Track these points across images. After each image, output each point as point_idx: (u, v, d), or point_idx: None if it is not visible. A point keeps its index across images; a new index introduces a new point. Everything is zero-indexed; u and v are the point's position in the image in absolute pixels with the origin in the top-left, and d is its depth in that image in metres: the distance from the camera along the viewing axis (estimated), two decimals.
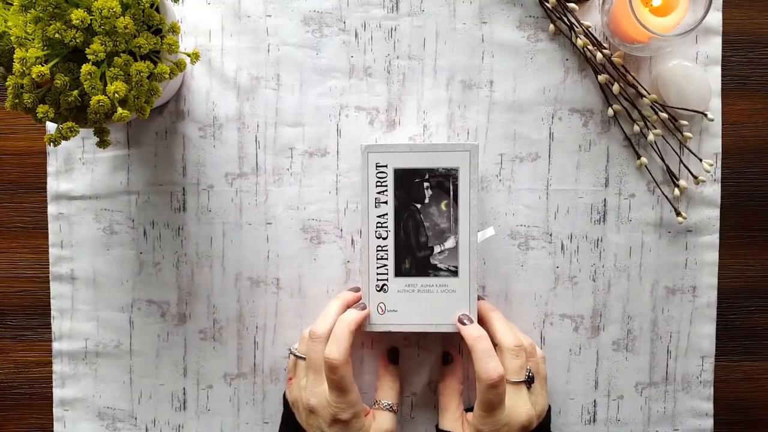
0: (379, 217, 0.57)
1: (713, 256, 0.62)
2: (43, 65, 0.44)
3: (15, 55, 0.44)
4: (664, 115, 0.60)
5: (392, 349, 0.61)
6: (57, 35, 0.44)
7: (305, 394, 0.54)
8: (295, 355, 0.58)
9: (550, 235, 0.61)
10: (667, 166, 0.61)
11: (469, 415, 0.57)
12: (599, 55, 0.59)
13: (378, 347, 0.62)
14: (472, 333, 0.54)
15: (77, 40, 0.44)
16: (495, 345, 0.55)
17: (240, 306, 0.62)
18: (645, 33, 0.53)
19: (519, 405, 0.54)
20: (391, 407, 0.57)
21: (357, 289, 0.60)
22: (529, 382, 0.56)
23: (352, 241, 0.61)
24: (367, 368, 0.62)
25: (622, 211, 0.61)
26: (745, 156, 0.62)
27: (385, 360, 0.60)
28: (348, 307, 0.58)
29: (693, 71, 0.59)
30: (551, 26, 0.60)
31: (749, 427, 0.64)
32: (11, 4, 0.46)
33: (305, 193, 0.61)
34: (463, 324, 0.56)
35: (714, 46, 0.61)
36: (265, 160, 0.61)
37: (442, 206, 0.56)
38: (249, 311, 0.62)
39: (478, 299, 0.58)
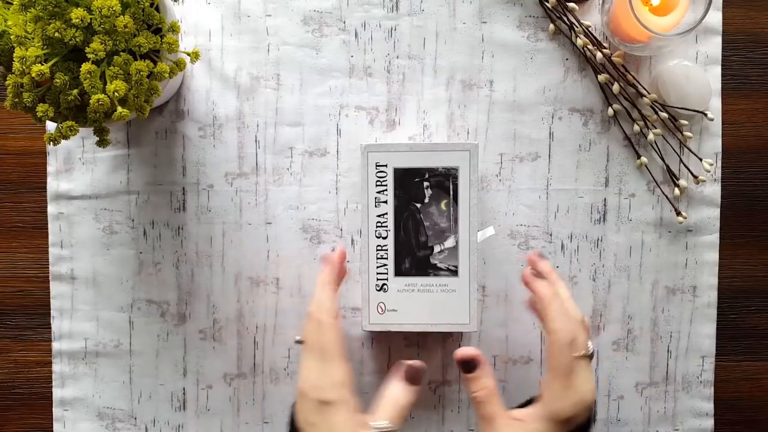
0: (379, 216, 0.57)
1: (713, 256, 0.62)
2: (42, 64, 0.44)
3: (15, 54, 0.44)
4: (664, 114, 0.60)
5: (419, 370, 0.52)
6: (57, 34, 0.44)
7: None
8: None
9: (550, 234, 0.61)
10: (667, 166, 0.61)
11: (519, 412, 0.51)
12: (599, 55, 0.59)
13: (378, 347, 0.62)
14: (546, 292, 0.51)
15: (77, 39, 0.44)
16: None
17: (240, 306, 0.62)
18: (645, 32, 0.53)
19: (587, 381, 0.49)
20: (390, 429, 0.48)
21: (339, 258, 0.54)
22: (591, 356, 0.51)
23: (352, 240, 0.61)
24: (367, 368, 0.62)
25: (622, 211, 0.61)
26: (745, 156, 0.62)
27: (409, 376, 0.51)
28: (336, 284, 0.53)
29: (693, 71, 0.59)
30: (551, 26, 0.60)
31: (749, 427, 0.64)
32: (11, 4, 0.46)
33: (305, 192, 0.61)
34: (536, 263, 0.52)
35: (714, 46, 0.61)
36: (265, 160, 0.61)
37: (442, 206, 0.56)
38: (249, 311, 0.62)
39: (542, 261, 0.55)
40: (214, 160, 0.61)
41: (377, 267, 0.57)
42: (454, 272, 0.57)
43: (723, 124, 0.61)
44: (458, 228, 0.56)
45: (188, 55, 0.50)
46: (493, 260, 0.61)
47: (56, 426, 0.63)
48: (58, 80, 0.45)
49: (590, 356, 0.51)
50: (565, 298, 0.52)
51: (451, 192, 0.56)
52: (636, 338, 0.62)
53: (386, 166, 0.56)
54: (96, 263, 0.62)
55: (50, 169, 0.61)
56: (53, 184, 0.62)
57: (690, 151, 0.61)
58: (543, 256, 0.56)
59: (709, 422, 0.62)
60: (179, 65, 0.49)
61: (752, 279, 0.63)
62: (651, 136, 0.60)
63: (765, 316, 0.64)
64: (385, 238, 0.57)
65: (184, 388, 0.63)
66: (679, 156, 0.61)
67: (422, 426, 0.62)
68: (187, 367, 0.62)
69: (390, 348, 0.62)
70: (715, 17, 0.61)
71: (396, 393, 0.50)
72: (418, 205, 0.56)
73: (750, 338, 0.64)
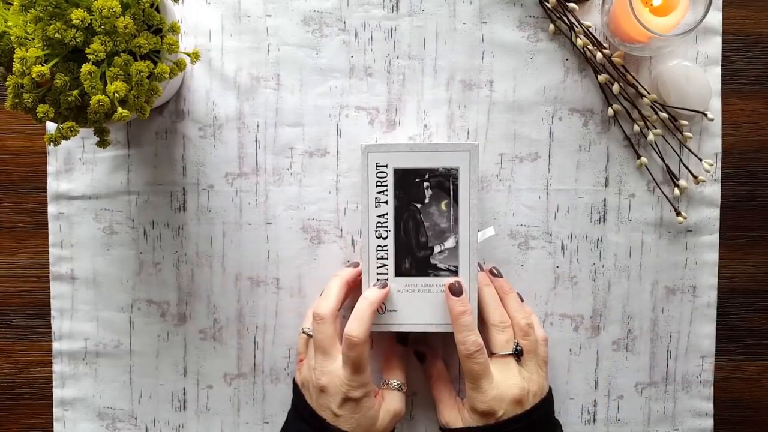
0: (379, 217, 0.57)
1: (713, 256, 0.62)
2: (43, 65, 0.44)
3: (15, 55, 0.44)
4: (664, 115, 0.60)
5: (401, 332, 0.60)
6: (57, 35, 0.44)
7: (315, 374, 0.55)
8: (307, 335, 0.58)
9: (550, 235, 0.61)
10: (667, 166, 0.61)
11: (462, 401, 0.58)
12: (599, 55, 0.59)
13: (378, 347, 0.62)
14: (457, 308, 0.55)
15: (77, 40, 0.44)
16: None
17: (240, 306, 0.62)
18: (645, 33, 0.53)
19: (508, 377, 0.55)
20: (400, 387, 0.58)
21: (356, 264, 0.59)
22: (517, 355, 0.56)
23: (352, 241, 0.61)
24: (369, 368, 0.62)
25: (622, 211, 0.61)
26: (745, 156, 0.63)
27: (393, 341, 0.60)
28: (349, 284, 0.58)
29: (693, 71, 0.59)
30: (551, 26, 0.60)
31: (749, 427, 0.64)
32: (11, 4, 0.46)
33: (305, 193, 0.61)
34: (453, 295, 0.56)
35: (714, 46, 0.61)
36: (265, 160, 0.61)
37: (442, 206, 0.56)
38: (249, 311, 0.62)
39: (479, 270, 0.58)
40: (214, 161, 0.61)
41: (377, 267, 0.57)
42: (455, 272, 0.57)
43: (723, 124, 0.61)
44: (458, 228, 0.56)
45: (188, 55, 0.50)
46: (493, 260, 0.61)
47: (56, 426, 0.63)
48: (58, 81, 0.45)
49: (516, 354, 0.56)
50: (490, 304, 0.57)
51: (452, 192, 0.56)
52: (636, 338, 0.62)
53: (386, 166, 0.56)
54: (96, 263, 0.62)
55: (50, 169, 0.61)
56: (53, 185, 0.62)
57: (690, 151, 0.61)
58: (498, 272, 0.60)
59: (709, 422, 0.62)
60: (179, 66, 0.49)
61: (752, 279, 0.63)
62: (651, 137, 0.60)
63: (765, 316, 0.64)
64: (385, 238, 0.57)
65: (184, 388, 0.63)
66: (679, 156, 0.61)
67: (422, 426, 0.62)
68: (188, 367, 0.62)
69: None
70: (715, 17, 0.61)
71: (398, 356, 0.59)
72: (419, 206, 0.56)
73: (750, 338, 0.64)
